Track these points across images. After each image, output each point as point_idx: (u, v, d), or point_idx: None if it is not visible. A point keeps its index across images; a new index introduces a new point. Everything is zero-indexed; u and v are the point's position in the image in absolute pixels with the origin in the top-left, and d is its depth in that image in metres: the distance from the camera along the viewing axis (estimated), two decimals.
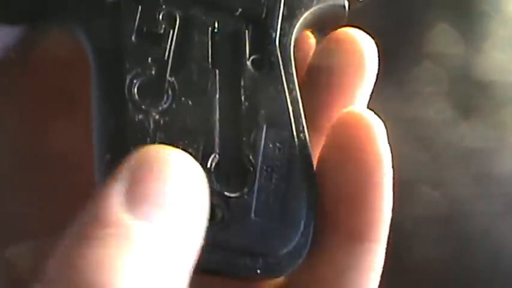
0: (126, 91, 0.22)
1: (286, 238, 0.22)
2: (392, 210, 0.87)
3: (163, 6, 0.23)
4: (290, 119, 0.23)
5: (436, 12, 0.86)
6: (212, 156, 0.22)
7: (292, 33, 0.24)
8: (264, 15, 0.24)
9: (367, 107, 0.88)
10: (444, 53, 0.85)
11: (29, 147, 0.83)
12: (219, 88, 0.23)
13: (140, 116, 0.22)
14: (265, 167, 0.22)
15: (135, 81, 0.22)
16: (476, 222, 0.86)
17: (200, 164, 0.21)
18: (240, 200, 0.22)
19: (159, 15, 0.23)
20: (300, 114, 0.24)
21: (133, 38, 0.23)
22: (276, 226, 0.22)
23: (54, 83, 0.79)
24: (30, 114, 0.83)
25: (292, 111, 0.23)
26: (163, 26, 0.23)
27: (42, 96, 0.81)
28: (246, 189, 0.22)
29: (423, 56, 0.86)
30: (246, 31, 0.23)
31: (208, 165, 0.22)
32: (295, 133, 0.23)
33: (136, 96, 0.22)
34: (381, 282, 0.89)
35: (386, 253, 0.87)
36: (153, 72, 0.22)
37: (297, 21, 0.24)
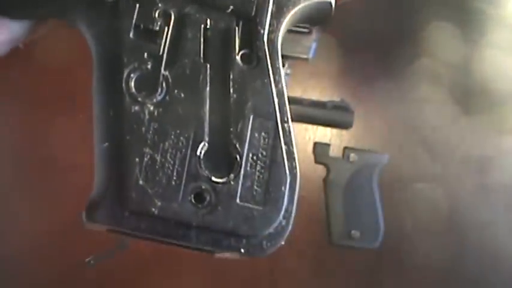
0: (123, 84, 0.23)
1: (268, 221, 0.24)
2: (393, 210, 0.87)
3: (160, 5, 0.24)
4: (275, 110, 0.25)
5: (434, 11, 0.86)
6: (202, 144, 0.23)
7: (280, 29, 0.25)
8: (253, 12, 0.25)
9: (367, 107, 0.88)
10: (443, 51, 0.85)
11: (29, 147, 0.82)
12: (210, 81, 0.24)
13: (136, 108, 0.23)
14: (250, 155, 0.24)
15: (132, 75, 0.23)
16: (477, 222, 0.86)
17: (190, 151, 0.23)
18: (227, 185, 0.23)
19: (155, 13, 0.24)
20: (285, 105, 0.25)
21: (131, 34, 0.24)
22: (259, 210, 0.23)
23: (54, 83, 0.79)
24: (30, 114, 0.83)
25: (278, 102, 0.25)
26: (159, 23, 0.24)
27: (42, 96, 0.81)
28: (232, 176, 0.23)
29: (422, 54, 0.86)
30: (236, 28, 0.25)
31: (198, 153, 0.23)
32: (279, 123, 0.25)
33: (133, 89, 0.23)
34: (381, 282, 0.89)
35: (386, 253, 0.87)
36: (149, 66, 0.24)
37: (285, 18, 0.25)
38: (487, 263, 0.83)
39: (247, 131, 0.24)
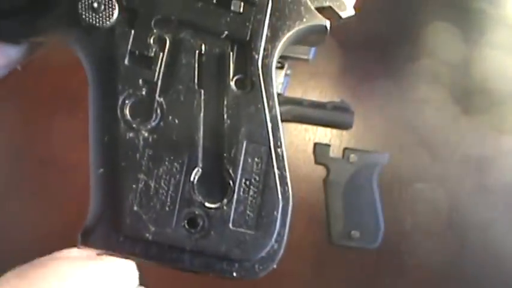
0: (118, 111, 0.23)
1: (260, 245, 0.24)
2: (392, 210, 0.87)
3: (155, 30, 0.24)
4: (268, 135, 0.25)
5: (434, 11, 0.86)
6: (195, 170, 0.24)
7: (274, 54, 0.25)
8: (248, 37, 0.25)
9: (367, 107, 0.88)
10: (443, 51, 0.85)
11: (29, 147, 0.82)
12: (204, 107, 0.24)
13: (131, 134, 0.23)
14: (244, 180, 0.24)
15: (127, 101, 0.24)
16: (476, 222, 0.86)
17: (184, 177, 0.23)
18: (220, 210, 0.24)
19: (150, 38, 0.24)
20: (278, 130, 0.25)
21: (126, 61, 0.24)
22: (251, 235, 0.24)
23: (54, 83, 0.79)
24: (30, 114, 0.83)
25: (271, 128, 0.25)
26: (154, 49, 0.24)
27: (42, 96, 0.81)
28: (225, 201, 0.24)
29: (422, 54, 0.86)
30: (231, 53, 0.25)
31: (192, 179, 0.24)
32: (272, 148, 0.25)
33: (128, 116, 0.24)
34: (381, 282, 0.89)
35: (386, 253, 0.87)
36: (144, 93, 0.24)
37: (280, 42, 0.25)
38: (487, 263, 0.83)
39: (240, 157, 0.24)
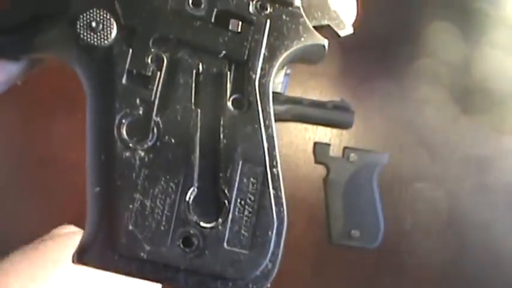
0: (115, 130, 0.23)
1: (254, 265, 0.24)
2: (392, 210, 0.87)
3: (152, 49, 0.24)
4: (264, 155, 0.25)
5: (434, 11, 0.86)
6: (191, 189, 0.24)
7: (272, 73, 0.25)
8: (245, 57, 0.25)
9: (367, 107, 0.88)
10: (443, 51, 0.85)
11: (29, 146, 0.82)
12: (200, 127, 0.24)
13: (127, 153, 0.23)
14: (239, 200, 0.24)
15: (123, 120, 0.24)
16: (476, 221, 0.86)
17: (179, 197, 0.23)
18: (214, 230, 0.24)
19: (148, 57, 0.24)
20: (274, 150, 0.25)
21: (123, 80, 0.24)
22: (245, 254, 0.24)
23: (54, 83, 0.79)
24: (30, 113, 0.83)
25: (267, 147, 0.25)
26: (151, 68, 0.24)
27: (42, 95, 0.81)
28: (220, 220, 0.24)
29: (422, 54, 0.86)
30: (228, 72, 0.25)
31: (187, 198, 0.24)
32: (268, 168, 0.25)
33: (125, 135, 0.23)
34: (381, 282, 0.89)
35: (386, 253, 0.87)
36: (141, 112, 0.24)
37: (277, 61, 0.25)
38: (486, 262, 0.83)
39: (236, 177, 0.24)
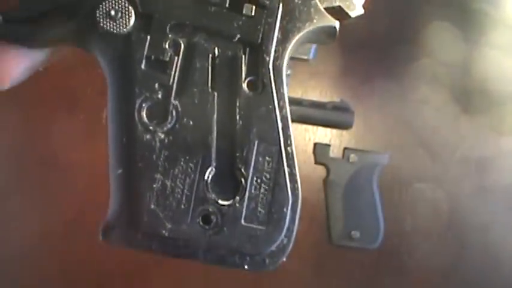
0: (136, 113, 0.25)
1: (270, 240, 0.25)
2: (392, 210, 0.87)
3: (170, 35, 0.25)
4: (279, 135, 0.26)
5: (434, 11, 0.86)
6: (209, 169, 0.25)
7: (285, 55, 0.26)
8: (259, 40, 0.25)
9: (367, 107, 0.88)
10: (443, 52, 0.85)
11: (29, 146, 0.82)
12: (217, 109, 0.25)
13: (148, 136, 0.24)
14: (255, 178, 0.25)
15: (143, 104, 0.25)
16: (476, 222, 0.86)
17: (198, 176, 0.24)
18: (232, 207, 0.25)
19: (165, 43, 0.25)
20: (289, 129, 0.26)
21: (142, 65, 0.25)
22: (262, 230, 0.25)
23: (54, 83, 0.79)
24: (30, 113, 0.83)
25: (282, 127, 0.26)
26: (169, 53, 0.25)
27: (42, 95, 0.81)
28: (237, 198, 0.25)
29: (422, 54, 0.86)
30: (243, 55, 0.25)
31: (206, 178, 0.25)
32: (283, 148, 0.26)
33: (145, 118, 0.25)
34: (381, 282, 0.89)
35: (386, 254, 0.87)
36: (160, 96, 0.25)
37: (290, 44, 0.26)
38: (486, 264, 0.83)
39: (252, 156, 0.25)
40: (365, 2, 0.27)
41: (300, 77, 0.81)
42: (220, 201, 0.25)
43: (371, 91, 0.82)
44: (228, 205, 0.25)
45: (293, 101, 0.77)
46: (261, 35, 0.25)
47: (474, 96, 0.85)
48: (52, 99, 0.80)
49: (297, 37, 0.26)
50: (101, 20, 0.24)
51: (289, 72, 0.63)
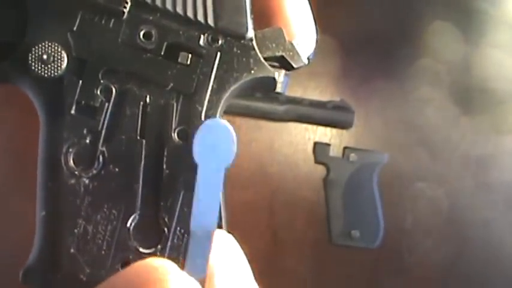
0: (62, 158, 0.24)
1: None
2: (392, 209, 0.87)
3: (102, 81, 0.24)
4: None
5: (434, 11, 0.86)
6: (133, 216, 0.24)
7: (219, 105, 0.25)
8: (193, 89, 0.25)
9: (367, 107, 0.88)
10: (443, 52, 0.85)
11: (29, 146, 0.82)
12: (145, 157, 0.25)
13: (72, 181, 0.24)
14: (178, 228, 0.25)
15: (71, 149, 0.24)
16: (476, 221, 0.86)
17: (120, 223, 0.24)
18: (153, 256, 0.24)
19: (97, 89, 0.24)
20: None
21: (72, 110, 0.24)
22: None
23: None
24: (30, 113, 0.83)
25: None
26: (99, 99, 0.24)
27: None
28: (159, 247, 0.24)
29: (422, 54, 0.86)
30: (175, 104, 0.25)
31: (128, 225, 0.24)
32: None
33: (71, 163, 0.24)
34: (381, 282, 0.89)
35: (386, 253, 0.87)
36: (88, 141, 0.24)
37: (226, 94, 0.25)
38: (487, 262, 0.83)
39: (177, 206, 0.24)
40: (314, 50, 0.27)
41: (299, 77, 0.81)
42: (141, 249, 0.24)
43: (371, 91, 0.82)
44: (149, 253, 0.24)
45: (293, 101, 0.77)
46: (195, 85, 0.25)
47: (474, 95, 0.85)
48: None
49: (233, 87, 0.25)
50: (33, 63, 0.24)
51: (288, 72, 0.63)
